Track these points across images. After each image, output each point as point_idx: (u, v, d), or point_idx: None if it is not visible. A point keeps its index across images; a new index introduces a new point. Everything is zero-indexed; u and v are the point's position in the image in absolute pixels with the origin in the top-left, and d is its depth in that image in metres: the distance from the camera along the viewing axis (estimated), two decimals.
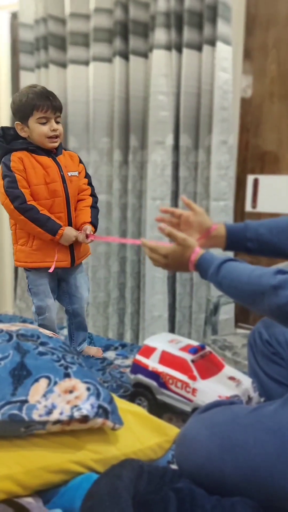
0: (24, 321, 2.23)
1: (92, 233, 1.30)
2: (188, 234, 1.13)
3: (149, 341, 1.50)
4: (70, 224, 1.31)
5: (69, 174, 1.30)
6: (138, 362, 1.45)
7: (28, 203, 1.24)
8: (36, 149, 1.27)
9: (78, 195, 1.34)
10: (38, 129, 1.25)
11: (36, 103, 1.24)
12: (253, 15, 2.06)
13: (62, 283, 1.39)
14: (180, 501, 0.80)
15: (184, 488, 0.84)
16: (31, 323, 1.42)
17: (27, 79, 2.57)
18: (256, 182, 2.14)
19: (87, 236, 1.28)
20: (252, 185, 2.15)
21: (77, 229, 1.31)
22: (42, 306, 1.34)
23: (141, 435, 0.99)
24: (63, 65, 2.41)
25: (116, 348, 1.94)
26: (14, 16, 2.74)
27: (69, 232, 1.27)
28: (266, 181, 2.11)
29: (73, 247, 1.32)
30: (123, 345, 1.98)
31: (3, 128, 1.29)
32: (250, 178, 2.15)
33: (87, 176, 1.38)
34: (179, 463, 0.94)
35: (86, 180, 1.37)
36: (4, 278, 3.07)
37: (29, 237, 1.30)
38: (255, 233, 1.14)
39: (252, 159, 2.16)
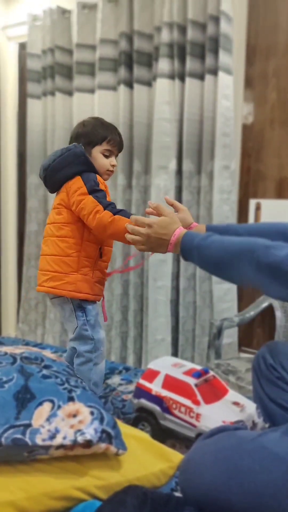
0: (27, 343, 2.22)
1: None
2: None
3: (152, 365, 1.49)
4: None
5: None
6: (141, 386, 1.44)
7: None
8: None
9: None
10: (101, 160, 1.28)
11: (108, 135, 1.28)
12: (253, 45, 2.13)
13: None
14: None
15: None
16: (34, 346, 1.41)
17: (34, 106, 2.65)
18: (258, 206, 2.16)
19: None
20: (255, 209, 2.17)
21: None
22: (100, 339, 1.28)
23: (145, 461, 0.98)
24: (69, 93, 2.48)
25: (120, 372, 1.92)
26: (22, 46, 2.84)
27: None
28: (268, 205, 2.14)
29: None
30: (127, 369, 1.96)
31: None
32: (252, 202, 2.18)
33: None
34: (183, 490, 0.93)
35: None
36: (7, 300, 3.08)
37: (92, 267, 1.27)
38: (235, 233, 1.16)
39: (254, 184, 2.19)
